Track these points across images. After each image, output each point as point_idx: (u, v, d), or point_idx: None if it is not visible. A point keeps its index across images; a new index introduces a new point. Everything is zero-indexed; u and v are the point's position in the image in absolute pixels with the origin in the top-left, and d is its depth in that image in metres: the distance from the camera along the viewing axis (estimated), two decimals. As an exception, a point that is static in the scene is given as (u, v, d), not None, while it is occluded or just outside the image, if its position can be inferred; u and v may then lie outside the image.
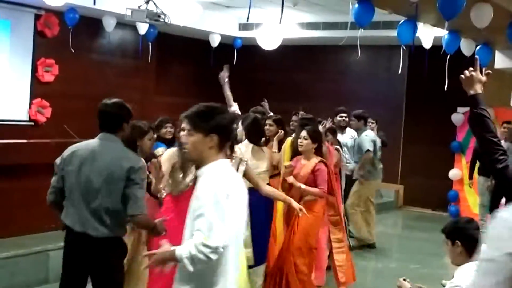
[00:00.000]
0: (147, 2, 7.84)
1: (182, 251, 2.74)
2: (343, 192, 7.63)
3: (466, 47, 8.86)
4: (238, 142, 5.67)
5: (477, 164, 9.05)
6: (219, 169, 2.88)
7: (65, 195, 3.92)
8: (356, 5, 6.77)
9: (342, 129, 8.53)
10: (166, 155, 4.78)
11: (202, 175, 2.89)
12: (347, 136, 8.61)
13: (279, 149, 6.36)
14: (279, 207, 5.93)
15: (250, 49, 11.83)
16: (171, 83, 13.00)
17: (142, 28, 10.41)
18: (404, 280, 3.66)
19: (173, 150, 4.83)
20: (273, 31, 9.56)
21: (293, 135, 6.41)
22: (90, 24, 10.52)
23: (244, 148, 5.66)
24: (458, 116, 11.20)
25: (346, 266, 6.13)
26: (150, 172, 4.49)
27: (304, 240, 5.50)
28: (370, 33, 9.34)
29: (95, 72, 11.30)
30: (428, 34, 8.36)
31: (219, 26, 11.97)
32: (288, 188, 5.63)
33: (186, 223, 2.90)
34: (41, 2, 8.05)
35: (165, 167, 4.58)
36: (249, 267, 5.34)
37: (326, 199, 5.78)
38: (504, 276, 1.88)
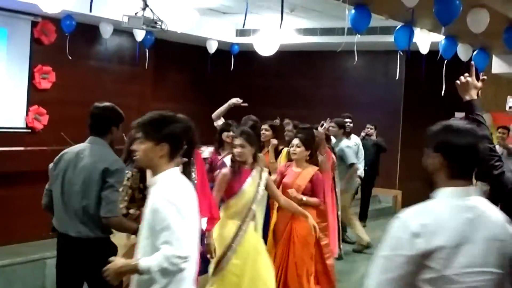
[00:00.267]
0: (143, 9, 7.84)
1: (151, 264, 2.73)
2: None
3: (463, 52, 8.88)
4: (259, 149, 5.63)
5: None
6: (171, 178, 2.88)
7: (53, 197, 4.02)
8: (353, 11, 6.78)
9: (348, 135, 8.56)
10: None
11: (155, 184, 2.88)
12: (352, 142, 8.64)
13: (276, 157, 6.35)
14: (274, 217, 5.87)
15: (248, 55, 11.84)
16: (169, 89, 13.00)
17: (139, 35, 10.41)
18: None
19: None
20: (270, 37, 9.56)
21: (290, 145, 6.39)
22: (87, 31, 10.52)
23: None
24: (456, 121, 11.19)
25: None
26: None
27: (306, 249, 5.46)
28: (367, 38, 9.36)
29: (92, 79, 11.29)
30: (425, 39, 8.38)
31: (216, 32, 11.97)
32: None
33: (141, 235, 2.89)
34: (38, 10, 8.04)
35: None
36: None
37: (318, 207, 5.76)
38: (398, 273, 2.11)
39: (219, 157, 6.11)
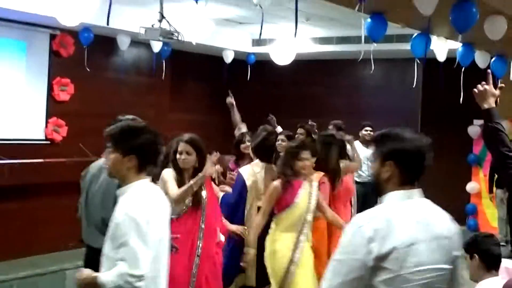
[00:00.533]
0: (160, 21, 7.89)
1: (107, 279, 2.72)
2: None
3: (481, 59, 8.81)
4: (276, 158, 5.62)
5: (495, 177, 8.96)
6: (139, 192, 2.83)
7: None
8: (369, 20, 6.77)
9: (368, 143, 8.54)
10: (170, 174, 4.72)
11: (121, 196, 2.85)
12: (371, 151, 8.59)
13: None
14: None
15: (264, 65, 11.86)
16: (186, 100, 13.04)
17: (156, 46, 10.48)
18: None
19: (170, 170, 4.78)
20: (286, 47, 9.57)
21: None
22: (105, 43, 10.61)
23: (258, 169, 5.64)
24: (475, 129, 11.10)
25: None
26: None
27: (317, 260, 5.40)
28: (384, 46, 9.32)
29: (110, 90, 11.38)
30: (442, 47, 8.33)
31: (232, 42, 12.02)
32: None
33: (105, 247, 2.86)
34: (56, 23, 8.13)
35: (172, 186, 4.56)
36: None
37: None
38: (353, 276, 2.19)
39: (238, 168, 6.13)
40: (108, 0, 8.08)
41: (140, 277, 2.68)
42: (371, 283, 2.21)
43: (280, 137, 6.50)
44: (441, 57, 8.33)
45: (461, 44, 8.27)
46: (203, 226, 4.60)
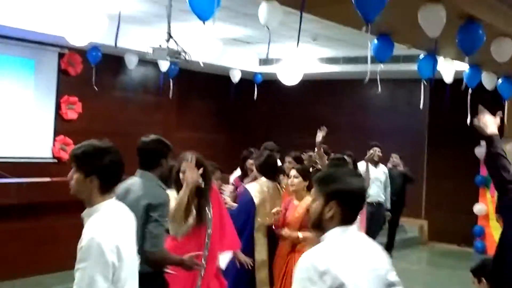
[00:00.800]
0: (168, 40, 7.94)
1: None
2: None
3: (488, 80, 8.79)
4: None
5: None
6: (105, 214, 2.76)
7: None
8: (376, 41, 6.79)
9: (376, 163, 8.53)
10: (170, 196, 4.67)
11: (87, 218, 2.77)
12: (380, 171, 8.61)
13: None
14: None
15: (271, 84, 11.90)
16: (193, 118, 13.09)
17: (164, 65, 10.54)
18: None
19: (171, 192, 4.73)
20: (293, 67, 9.59)
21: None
22: (113, 61, 10.69)
23: (265, 188, 5.62)
24: (482, 150, 11.02)
25: None
26: None
27: None
28: (390, 67, 9.34)
29: (118, 109, 11.45)
30: (449, 68, 8.33)
31: (239, 62, 12.08)
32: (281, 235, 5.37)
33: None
34: (65, 41, 8.19)
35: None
36: None
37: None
38: None
39: (242, 184, 6.13)
40: (116, 20, 8.16)
41: None
42: None
43: (288, 159, 6.48)
44: (448, 78, 8.32)
45: (468, 66, 8.27)
46: (207, 247, 4.53)
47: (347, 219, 2.52)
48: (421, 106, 8.48)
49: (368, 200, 8.47)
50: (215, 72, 12.36)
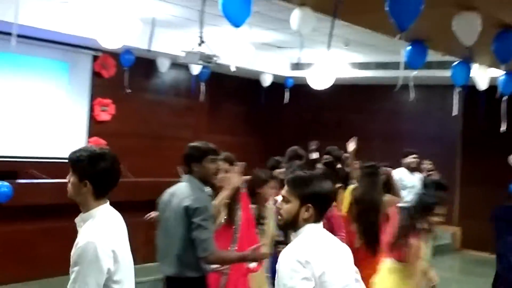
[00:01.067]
0: (200, 45, 7.98)
1: None
2: None
3: (523, 87, 8.65)
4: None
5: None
6: (100, 219, 2.80)
7: None
8: (409, 47, 6.73)
9: (413, 170, 8.48)
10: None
11: (82, 223, 2.81)
12: (416, 178, 8.56)
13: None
14: None
15: (302, 89, 11.85)
16: (223, 121, 13.13)
17: (195, 69, 10.59)
18: None
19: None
20: (324, 71, 9.56)
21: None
22: (145, 64, 10.79)
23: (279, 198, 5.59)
24: (516, 158, 10.87)
25: None
26: None
27: None
28: (423, 73, 9.20)
29: (149, 111, 11.55)
30: (483, 75, 8.21)
31: (270, 66, 12.08)
32: None
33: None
34: (99, 44, 8.30)
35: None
36: None
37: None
38: None
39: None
40: (148, 24, 8.25)
41: None
42: None
43: (319, 165, 6.44)
44: (482, 85, 8.21)
45: (503, 72, 8.14)
46: (234, 247, 4.57)
47: (318, 219, 2.81)
48: (454, 113, 8.40)
49: (404, 206, 8.43)
50: (246, 76, 12.38)
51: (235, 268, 4.53)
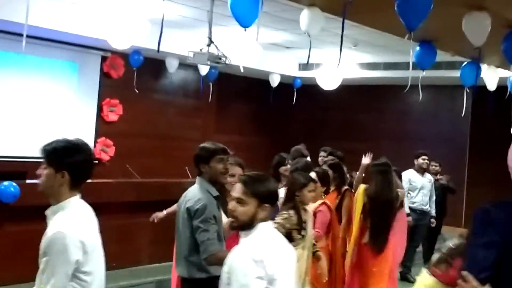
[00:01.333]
0: (208, 45, 7.99)
1: None
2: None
3: (533, 88, 8.61)
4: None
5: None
6: (70, 211, 2.78)
7: None
8: (418, 48, 6.70)
9: (423, 172, 8.48)
10: None
11: (52, 215, 2.80)
12: (426, 179, 8.56)
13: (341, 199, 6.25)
14: None
15: (310, 89, 11.86)
16: (231, 122, 13.14)
17: (204, 69, 10.60)
18: None
19: None
20: (333, 72, 9.54)
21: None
22: (154, 65, 10.81)
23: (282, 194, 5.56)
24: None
25: None
26: None
27: None
28: (432, 73, 9.20)
29: (158, 112, 11.57)
30: (492, 75, 8.18)
31: (279, 66, 12.07)
32: None
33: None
34: (108, 45, 8.32)
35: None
36: None
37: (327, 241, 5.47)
38: None
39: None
40: (156, 24, 8.25)
41: None
42: None
43: (324, 167, 6.42)
44: (492, 86, 8.17)
45: (512, 73, 8.11)
46: None
47: (268, 217, 2.93)
48: (463, 113, 8.37)
49: (412, 206, 8.42)
50: (255, 76, 12.38)
51: None
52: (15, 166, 8.74)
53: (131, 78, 10.27)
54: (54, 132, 9.98)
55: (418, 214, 8.50)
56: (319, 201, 5.43)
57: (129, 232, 7.53)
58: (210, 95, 11.39)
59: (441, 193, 9.30)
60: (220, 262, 4.00)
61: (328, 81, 9.64)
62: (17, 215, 6.68)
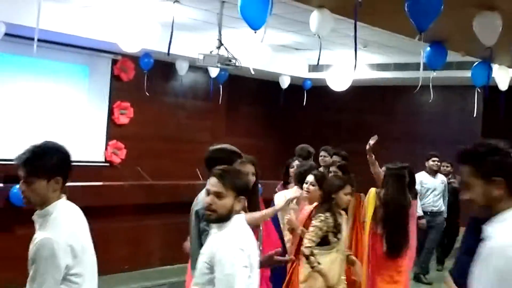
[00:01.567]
0: (218, 47, 8.00)
1: None
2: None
3: (545, 87, 8.57)
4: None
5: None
6: (58, 215, 2.73)
7: None
8: (428, 48, 6.68)
9: (434, 173, 8.45)
10: None
11: (40, 219, 2.75)
12: (438, 181, 8.52)
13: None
14: None
15: (320, 90, 11.85)
16: (241, 123, 13.15)
17: (214, 71, 10.62)
18: None
19: None
20: (343, 73, 9.53)
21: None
22: (164, 68, 10.84)
23: (289, 195, 5.51)
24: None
25: None
26: None
27: None
28: (443, 73, 9.16)
29: (168, 114, 11.60)
30: (504, 75, 8.14)
31: (289, 68, 12.07)
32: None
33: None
34: (118, 48, 8.36)
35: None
36: None
37: None
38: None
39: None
40: (166, 27, 8.28)
41: None
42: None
43: (332, 168, 6.35)
44: (503, 86, 8.13)
45: (524, 73, 8.07)
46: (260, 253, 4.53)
47: (242, 210, 3.05)
48: (474, 114, 8.32)
49: (423, 207, 8.38)
50: (265, 78, 12.38)
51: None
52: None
53: (142, 81, 10.31)
54: (66, 135, 10.03)
55: (429, 215, 8.46)
56: (315, 203, 5.35)
57: (141, 234, 7.55)
58: (220, 97, 11.41)
59: (454, 195, 9.23)
60: None
61: (338, 82, 9.63)
62: (29, 218, 6.70)
